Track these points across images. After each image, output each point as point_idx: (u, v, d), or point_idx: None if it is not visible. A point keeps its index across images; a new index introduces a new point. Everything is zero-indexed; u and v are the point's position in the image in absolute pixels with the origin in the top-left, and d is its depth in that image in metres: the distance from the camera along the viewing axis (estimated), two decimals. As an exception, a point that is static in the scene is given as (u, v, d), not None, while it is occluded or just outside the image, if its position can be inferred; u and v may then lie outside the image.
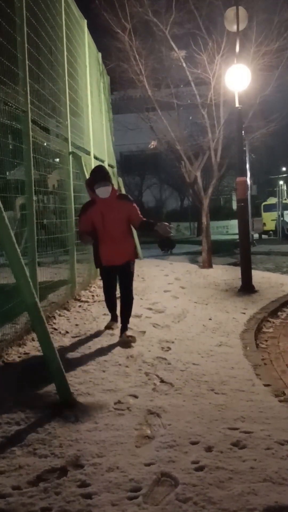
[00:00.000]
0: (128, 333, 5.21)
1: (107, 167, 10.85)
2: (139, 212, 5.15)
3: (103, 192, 4.94)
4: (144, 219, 5.16)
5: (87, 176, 7.40)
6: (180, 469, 2.61)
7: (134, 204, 5.14)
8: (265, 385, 4.01)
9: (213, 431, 3.05)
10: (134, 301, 6.14)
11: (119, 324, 5.37)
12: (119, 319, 5.45)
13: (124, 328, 5.23)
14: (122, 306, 5.30)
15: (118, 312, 5.56)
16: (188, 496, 2.37)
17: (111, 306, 5.64)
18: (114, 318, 5.64)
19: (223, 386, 3.91)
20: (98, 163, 9.78)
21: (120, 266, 5.18)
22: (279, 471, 2.56)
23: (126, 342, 4.96)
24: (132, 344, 4.95)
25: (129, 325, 5.51)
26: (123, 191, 13.36)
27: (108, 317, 5.86)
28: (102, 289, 7.54)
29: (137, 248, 5.46)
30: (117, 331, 5.35)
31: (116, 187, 11.58)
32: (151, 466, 2.65)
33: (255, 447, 2.83)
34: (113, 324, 5.55)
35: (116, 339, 5.12)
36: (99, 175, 4.99)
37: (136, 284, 8.34)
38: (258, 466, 2.63)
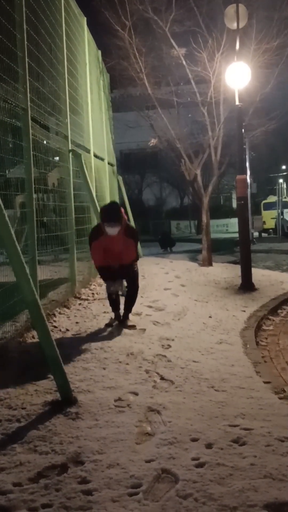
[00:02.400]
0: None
1: (106, 165, 10.89)
2: (134, 249, 5.46)
3: (111, 231, 5.23)
4: (131, 261, 5.46)
5: (87, 174, 7.43)
6: (181, 466, 2.62)
7: (134, 241, 5.43)
8: (265, 382, 4.02)
9: (213, 428, 3.06)
10: None
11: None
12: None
13: (125, 316, 5.61)
14: (126, 299, 5.68)
15: (121, 311, 5.73)
16: (188, 493, 2.38)
17: (114, 306, 5.74)
18: (117, 317, 5.71)
19: (223, 383, 3.91)
20: (98, 161, 9.79)
21: (120, 266, 5.46)
22: (279, 468, 2.57)
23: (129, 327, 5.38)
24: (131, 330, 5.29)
25: (129, 322, 5.60)
26: (123, 190, 13.39)
27: (108, 315, 5.87)
28: (102, 287, 7.58)
29: (138, 253, 5.71)
30: (117, 329, 5.39)
31: (116, 186, 11.52)
32: (152, 463, 2.66)
33: (255, 444, 2.84)
34: (114, 322, 5.59)
35: (116, 336, 5.13)
36: (109, 216, 5.24)
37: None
38: (258, 462, 2.63)
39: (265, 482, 2.46)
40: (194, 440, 2.91)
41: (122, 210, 5.41)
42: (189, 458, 2.69)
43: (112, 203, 5.63)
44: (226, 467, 2.60)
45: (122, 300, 5.73)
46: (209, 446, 2.83)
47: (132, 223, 13.34)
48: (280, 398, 3.69)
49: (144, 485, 2.45)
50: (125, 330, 5.38)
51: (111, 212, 5.27)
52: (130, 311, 5.67)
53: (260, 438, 2.92)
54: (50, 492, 2.42)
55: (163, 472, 2.58)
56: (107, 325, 5.55)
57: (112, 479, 2.51)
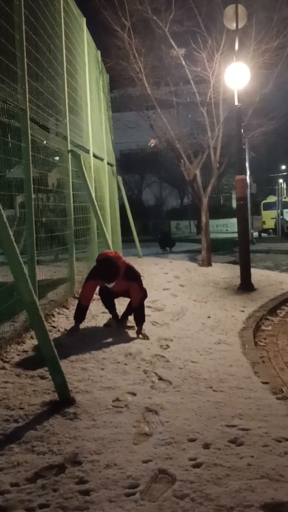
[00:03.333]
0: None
1: (106, 165, 10.88)
2: (138, 290, 5.33)
3: (108, 284, 5.27)
4: (138, 305, 5.36)
5: (86, 174, 7.42)
6: (178, 466, 2.62)
7: (136, 283, 5.32)
8: (263, 383, 4.03)
9: (211, 428, 3.06)
10: None
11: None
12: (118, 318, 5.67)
13: (125, 317, 5.66)
14: (135, 313, 5.47)
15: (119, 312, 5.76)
16: (185, 493, 2.38)
17: (109, 308, 5.74)
18: (114, 317, 5.72)
19: (221, 383, 3.92)
20: (97, 161, 9.79)
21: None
22: (276, 468, 2.57)
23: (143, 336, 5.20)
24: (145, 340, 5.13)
25: (128, 323, 5.63)
26: (123, 190, 13.39)
27: (107, 315, 5.88)
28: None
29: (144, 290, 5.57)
30: (116, 329, 5.40)
31: (115, 186, 11.55)
32: (149, 463, 2.66)
33: (252, 444, 2.84)
34: (112, 322, 5.60)
35: (114, 337, 5.14)
36: (104, 276, 5.17)
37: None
38: (255, 463, 2.64)
39: (262, 482, 2.46)
40: (191, 440, 2.92)
41: (119, 262, 5.25)
42: (186, 459, 2.70)
43: (106, 262, 5.21)
44: (223, 468, 2.60)
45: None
46: (206, 446, 2.84)
47: (132, 223, 13.39)
48: (278, 399, 3.70)
49: (141, 486, 2.46)
50: (125, 330, 5.39)
51: (104, 273, 5.16)
52: (142, 323, 5.38)
53: (257, 438, 2.92)
54: (47, 492, 2.42)
55: (160, 473, 2.58)
56: (106, 325, 5.55)
57: (109, 479, 2.51)
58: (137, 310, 5.38)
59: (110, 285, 5.25)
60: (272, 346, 5.58)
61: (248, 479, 2.49)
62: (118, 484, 2.47)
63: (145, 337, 5.14)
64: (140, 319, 5.35)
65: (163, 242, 17.63)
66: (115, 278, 5.15)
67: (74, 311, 5.44)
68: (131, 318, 5.60)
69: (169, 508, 2.29)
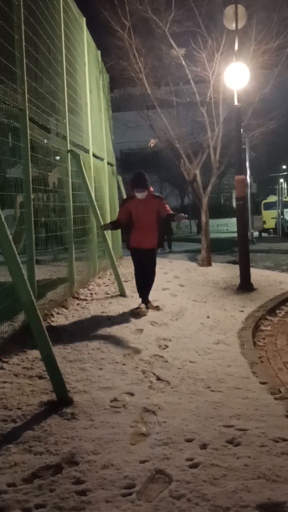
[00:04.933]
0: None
1: (105, 165, 10.89)
2: (167, 207, 6.38)
3: (140, 195, 6.24)
4: (170, 212, 6.34)
5: (86, 174, 7.43)
6: (175, 466, 2.62)
7: (164, 201, 6.42)
8: (262, 383, 4.02)
9: (208, 429, 3.06)
10: (132, 299, 6.72)
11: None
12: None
13: (147, 299, 6.53)
14: (149, 283, 6.61)
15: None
16: (181, 493, 2.38)
17: (142, 287, 6.53)
18: (144, 299, 6.50)
19: (220, 383, 3.92)
20: (97, 161, 9.79)
21: (147, 250, 6.41)
22: (272, 468, 2.58)
23: (155, 308, 6.39)
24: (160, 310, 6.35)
25: (128, 323, 5.67)
26: (123, 190, 13.40)
27: (106, 315, 5.90)
28: (100, 287, 7.61)
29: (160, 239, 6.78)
30: (115, 329, 5.41)
31: (115, 186, 11.76)
32: (146, 463, 2.66)
33: (249, 445, 2.85)
34: (143, 307, 6.37)
35: (113, 337, 5.14)
36: (138, 182, 6.23)
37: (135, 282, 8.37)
38: (252, 463, 2.64)
39: (258, 482, 2.46)
40: (188, 440, 2.92)
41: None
42: (183, 459, 2.70)
43: (139, 172, 6.38)
44: (220, 468, 2.60)
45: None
46: (203, 446, 2.84)
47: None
48: (276, 399, 3.69)
49: (137, 486, 2.46)
50: (124, 331, 5.40)
51: (138, 179, 6.23)
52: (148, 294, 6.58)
53: (254, 438, 2.92)
54: (44, 493, 2.43)
55: (157, 473, 2.59)
56: (142, 313, 6.15)
57: (106, 479, 2.52)
58: (150, 283, 6.59)
59: (142, 195, 6.17)
60: (271, 346, 5.58)
61: (245, 479, 2.49)
62: (115, 485, 2.47)
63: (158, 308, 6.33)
64: (148, 291, 6.56)
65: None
66: (146, 186, 6.19)
67: (73, 311, 5.47)
68: (131, 318, 5.66)
69: (165, 508, 2.29)
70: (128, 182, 6.36)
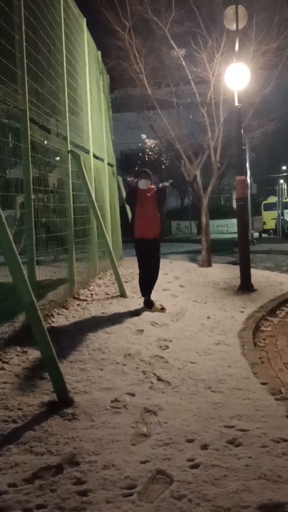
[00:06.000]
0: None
1: (106, 166, 10.89)
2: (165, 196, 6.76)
3: (143, 183, 6.48)
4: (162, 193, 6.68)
5: (86, 174, 7.43)
6: (176, 467, 2.62)
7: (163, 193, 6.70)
8: (262, 384, 4.02)
9: (209, 429, 3.06)
10: (133, 300, 6.72)
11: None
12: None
13: (150, 299, 6.62)
14: (153, 278, 6.75)
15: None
16: (182, 494, 2.38)
17: (145, 283, 6.65)
18: (147, 298, 6.60)
19: (220, 384, 3.91)
20: (97, 161, 9.80)
21: (151, 240, 6.57)
22: (273, 469, 2.57)
23: (160, 310, 6.41)
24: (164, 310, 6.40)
25: (128, 323, 5.70)
26: (123, 190, 13.40)
27: (107, 316, 5.90)
28: (101, 288, 7.60)
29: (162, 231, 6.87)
30: (115, 330, 5.41)
31: (116, 186, 11.87)
32: (147, 464, 2.66)
33: (250, 445, 2.85)
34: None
35: (113, 337, 5.14)
36: (142, 171, 6.64)
37: (135, 283, 8.37)
38: (253, 463, 2.64)
39: (259, 483, 2.46)
40: (189, 441, 2.92)
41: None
42: (184, 459, 2.70)
43: (144, 168, 6.84)
44: (221, 468, 2.60)
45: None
46: (204, 447, 2.84)
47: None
48: (276, 400, 3.69)
49: (138, 486, 2.46)
50: (124, 331, 5.40)
51: (143, 172, 6.61)
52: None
53: (255, 439, 2.92)
54: (45, 493, 2.43)
55: (158, 473, 2.59)
56: (155, 309, 6.41)
57: (107, 480, 2.52)
58: (155, 275, 6.80)
59: (146, 185, 6.45)
60: (272, 347, 5.58)
61: (246, 480, 2.49)
62: (116, 485, 2.47)
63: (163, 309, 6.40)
64: (153, 284, 6.81)
65: None
66: (150, 176, 6.56)
67: (74, 312, 5.48)
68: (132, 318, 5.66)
69: (166, 508, 2.29)
70: (132, 176, 6.60)
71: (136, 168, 6.80)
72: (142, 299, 6.95)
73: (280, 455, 2.73)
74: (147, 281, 6.68)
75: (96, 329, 5.47)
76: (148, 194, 6.53)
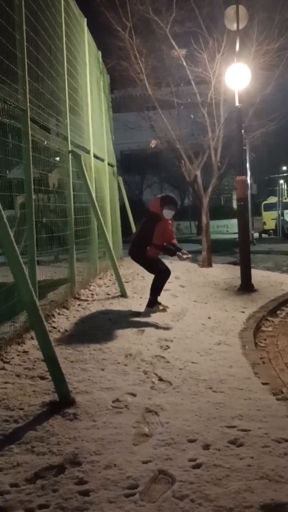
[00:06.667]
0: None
1: (106, 166, 10.89)
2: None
3: (170, 214, 6.38)
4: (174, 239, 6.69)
5: (87, 175, 7.43)
6: (177, 467, 2.62)
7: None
8: (263, 384, 4.02)
9: (210, 429, 3.06)
10: (133, 300, 6.70)
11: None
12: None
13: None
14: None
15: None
16: (184, 494, 2.38)
17: (160, 289, 6.58)
18: (156, 301, 6.53)
19: (221, 384, 3.91)
20: (97, 162, 9.79)
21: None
22: (275, 469, 2.57)
23: (162, 310, 6.43)
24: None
25: (129, 323, 5.73)
26: (123, 190, 13.42)
27: (107, 316, 5.90)
28: (101, 288, 7.60)
29: None
30: (116, 330, 5.42)
31: (116, 186, 11.91)
32: (149, 464, 2.66)
33: (252, 445, 2.84)
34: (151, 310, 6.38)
35: (114, 337, 5.14)
36: (174, 201, 6.43)
37: (136, 283, 8.38)
38: (255, 463, 2.63)
39: (261, 483, 2.46)
40: (191, 441, 2.92)
41: None
42: (186, 459, 2.70)
43: (173, 196, 6.58)
44: (223, 468, 2.60)
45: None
46: (206, 447, 2.84)
47: (132, 223, 13.39)
48: (278, 400, 3.69)
49: (140, 486, 2.46)
50: (125, 331, 5.40)
51: (174, 199, 6.43)
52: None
53: (257, 439, 2.92)
54: (47, 493, 2.42)
55: (160, 473, 2.58)
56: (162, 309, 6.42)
57: (109, 480, 2.51)
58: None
59: (171, 215, 6.40)
60: (272, 347, 5.58)
61: (248, 480, 2.49)
62: (118, 485, 2.47)
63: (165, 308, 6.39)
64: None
65: None
66: (177, 209, 6.57)
67: (74, 312, 5.47)
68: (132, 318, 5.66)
69: (168, 508, 2.29)
70: (158, 200, 6.37)
71: (164, 194, 6.56)
72: (143, 299, 6.96)
73: (282, 455, 2.73)
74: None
75: (97, 329, 5.47)
76: (169, 222, 6.51)
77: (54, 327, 5.40)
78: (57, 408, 3.33)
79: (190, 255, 6.54)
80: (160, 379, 4.01)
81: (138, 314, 6.18)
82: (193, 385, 3.88)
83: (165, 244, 6.38)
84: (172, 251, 6.39)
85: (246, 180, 10.43)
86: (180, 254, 6.41)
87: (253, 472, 2.56)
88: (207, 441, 2.90)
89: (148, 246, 6.32)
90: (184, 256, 6.44)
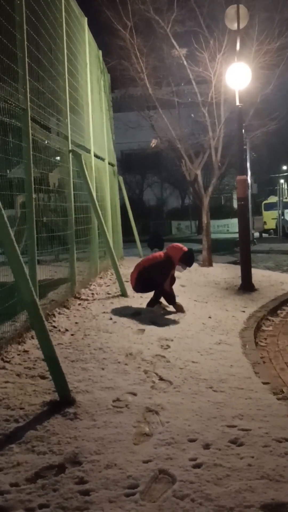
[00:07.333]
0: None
1: (107, 165, 10.89)
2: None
3: (183, 270, 6.77)
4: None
5: (87, 174, 7.43)
6: (178, 466, 2.62)
7: None
8: (264, 383, 4.02)
9: (211, 429, 3.06)
10: (134, 299, 6.83)
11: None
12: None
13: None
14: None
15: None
16: (185, 493, 2.37)
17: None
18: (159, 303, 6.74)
19: (222, 384, 3.91)
20: (98, 161, 9.79)
21: None
22: (276, 469, 2.57)
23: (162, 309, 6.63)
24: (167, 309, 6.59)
25: (129, 323, 5.72)
26: (124, 190, 13.42)
27: (108, 316, 5.91)
28: (102, 287, 7.61)
29: None
30: (117, 329, 5.42)
31: (116, 186, 11.93)
32: (149, 463, 2.66)
33: (252, 445, 2.84)
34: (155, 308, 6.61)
35: (115, 337, 5.14)
36: (190, 262, 6.75)
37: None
38: (255, 463, 2.63)
39: (262, 483, 2.46)
40: (191, 440, 2.91)
41: None
42: (186, 459, 2.69)
43: (193, 255, 6.90)
44: (224, 468, 2.60)
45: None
46: (206, 446, 2.83)
47: (133, 223, 13.40)
48: (278, 399, 3.69)
49: (141, 486, 2.45)
50: (126, 331, 5.40)
51: (192, 260, 6.78)
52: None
53: (258, 439, 2.91)
54: (47, 493, 2.42)
55: (160, 473, 2.58)
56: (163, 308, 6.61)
57: (109, 479, 2.51)
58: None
59: (181, 271, 6.79)
60: (273, 347, 5.58)
61: (248, 479, 2.48)
62: (118, 484, 2.46)
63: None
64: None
65: (152, 242, 17.62)
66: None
67: (75, 311, 5.47)
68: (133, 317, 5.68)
69: (169, 508, 2.28)
70: (181, 253, 6.67)
71: (188, 251, 6.79)
72: (143, 298, 6.97)
73: (283, 455, 2.72)
74: None
75: (98, 328, 5.47)
76: (173, 271, 6.72)
77: (54, 327, 5.40)
78: (58, 408, 3.32)
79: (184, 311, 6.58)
80: (161, 379, 4.01)
81: (138, 313, 6.18)
82: (193, 385, 3.87)
83: (173, 292, 6.66)
84: (172, 301, 6.62)
85: (247, 179, 10.43)
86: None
87: (254, 471, 2.55)
88: (208, 441, 2.89)
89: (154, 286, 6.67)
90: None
